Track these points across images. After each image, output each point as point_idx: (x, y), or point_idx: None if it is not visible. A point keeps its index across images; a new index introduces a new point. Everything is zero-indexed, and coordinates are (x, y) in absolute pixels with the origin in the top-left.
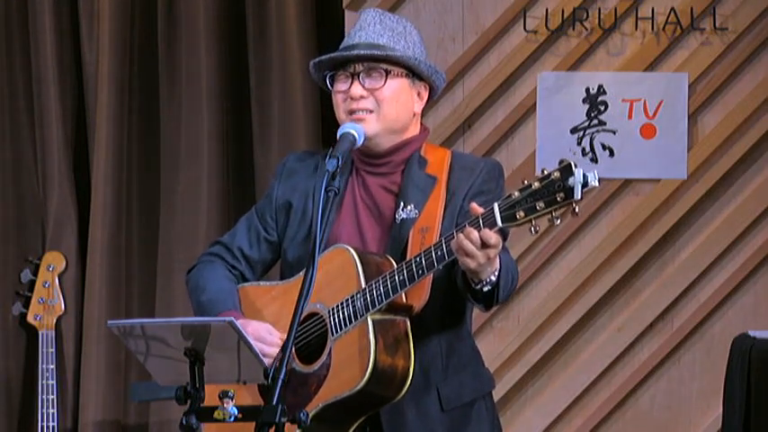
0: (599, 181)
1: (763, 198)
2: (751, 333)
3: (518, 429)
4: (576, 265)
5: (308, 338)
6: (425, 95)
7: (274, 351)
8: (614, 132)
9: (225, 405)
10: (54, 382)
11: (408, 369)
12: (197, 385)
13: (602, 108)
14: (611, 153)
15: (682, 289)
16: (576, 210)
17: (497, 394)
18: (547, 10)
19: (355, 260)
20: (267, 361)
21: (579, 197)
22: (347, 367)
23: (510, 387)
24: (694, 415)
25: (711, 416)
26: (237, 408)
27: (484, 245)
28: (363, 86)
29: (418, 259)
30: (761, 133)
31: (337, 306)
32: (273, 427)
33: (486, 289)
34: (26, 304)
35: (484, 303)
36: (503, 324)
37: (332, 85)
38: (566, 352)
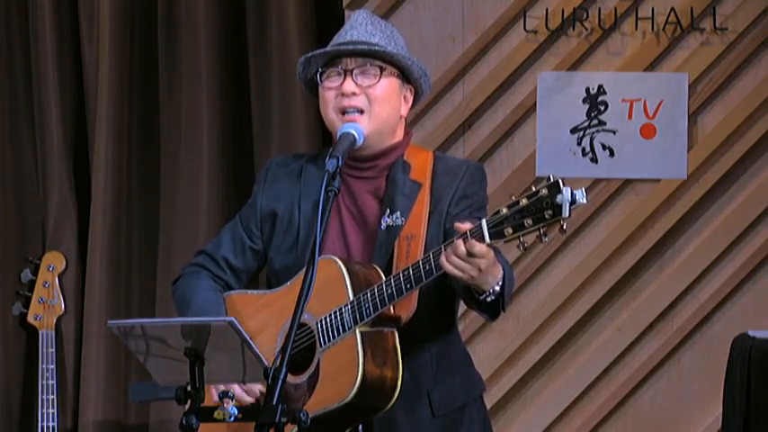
0: (587, 198)
1: (763, 198)
2: (751, 333)
3: (518, 429)
4: (576, 265)
5: (296, 349)
6: (411, 99)
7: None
8: (614, 132)
9: (225, 405)
10: (54, 382)
11: (397, 380)
12: (197, 385)
13: (602, 108)
14: (611, 153)
15: (682, 289)
16: (564, 227)
17: (497, 394)
18: (547, 10)
19: (343, 271)
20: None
21: (567, 215)
22: (336, 379)
23: (510, 387)
24: (694, 415)
25: (711, 416)
26: (237, 408)
27: (470, 254)
28: (356, 83)
29: (406, 273)
30: (761, 133)
31: (325, 317)
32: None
33: (490, 299)
34: (26, 304)
35: (489, 313)
36: (503, 324)
37: (321, 83)
38: (566, 352)
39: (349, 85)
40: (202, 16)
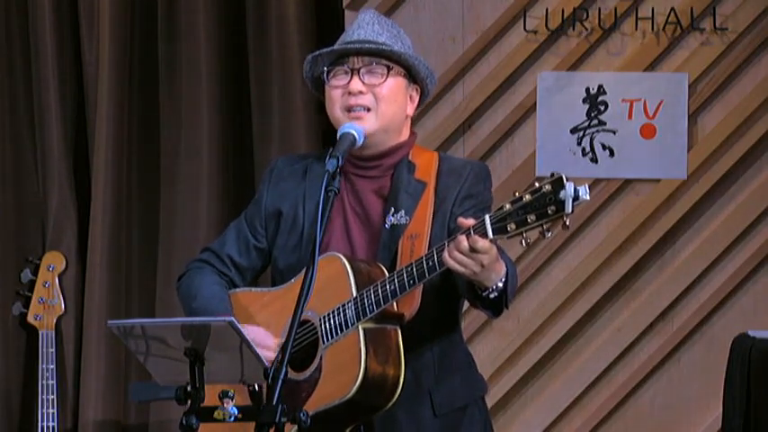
0: (589, 195)
1: (763, 198)
2: (751, 333)
3: (518, 429)
4: (576, 265)
5: (300, 345)
6: (416, 99)
7: (271, 355)
8: (614, 132)
9: (225, 405)
10: (54, 382)
11: (399, 378)
12: (197, 385)
13: (602, 108)
14: (611, 153)
15: (682, 289)
16: (567, 223)
17: (498, 394)
18: (547, 10)
19: (346, 268)
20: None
21: (570, 211)
22: (338, 375)
23: (510, 387)
24: (694, 415)
25: (711, 416)
26: (237, 408)
27: (473, 250)
28: (363, 82)
29: (409, 269)
30: (761, 133)
31: (329, 314)
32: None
33: (492, 296)
34: (26, 304)
35: (492, 310)
36: (503, 324)
37: (328, 82)
38: (566, 352)
39: (356, 84)
40: (202, 16)
